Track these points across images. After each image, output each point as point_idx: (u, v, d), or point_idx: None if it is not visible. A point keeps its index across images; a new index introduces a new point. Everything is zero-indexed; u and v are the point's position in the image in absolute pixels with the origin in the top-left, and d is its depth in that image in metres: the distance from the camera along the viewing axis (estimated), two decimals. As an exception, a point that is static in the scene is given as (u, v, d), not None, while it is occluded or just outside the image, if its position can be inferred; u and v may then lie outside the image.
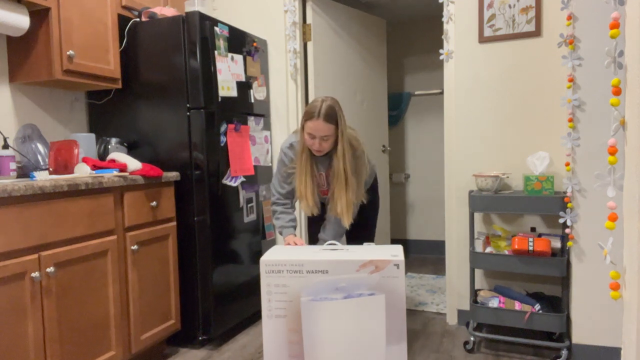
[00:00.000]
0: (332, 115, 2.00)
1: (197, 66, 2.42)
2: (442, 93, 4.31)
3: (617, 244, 1.96)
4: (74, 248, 1.87)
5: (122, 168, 2.18)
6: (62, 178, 1.90)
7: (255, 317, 2.92)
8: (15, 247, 1.64)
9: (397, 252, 1.86)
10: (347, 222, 2.14)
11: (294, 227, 2.26)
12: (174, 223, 2.44)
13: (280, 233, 2.26)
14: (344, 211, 2.11)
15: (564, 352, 2.22)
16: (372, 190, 2.37)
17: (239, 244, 2.70)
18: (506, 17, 2.53)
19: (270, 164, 3.06)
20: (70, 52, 2.19)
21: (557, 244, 2.31)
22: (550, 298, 2.43)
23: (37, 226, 1.72)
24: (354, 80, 3.51)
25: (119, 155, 2.25)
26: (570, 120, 2.20)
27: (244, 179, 2.73)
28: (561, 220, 2.24)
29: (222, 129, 2.56)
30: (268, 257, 1.85)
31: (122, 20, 2.52)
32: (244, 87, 2.77)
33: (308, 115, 2.02)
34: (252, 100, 2.86)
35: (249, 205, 2.80)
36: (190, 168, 2.46)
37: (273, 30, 3.09)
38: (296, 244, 2.12)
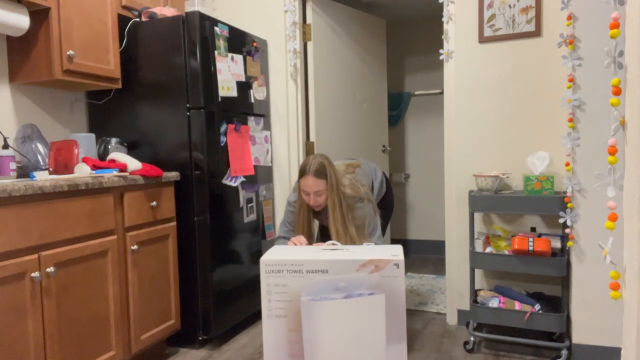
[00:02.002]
0: (321, 171, 2.10)
1: (197, 66, 2.42)
2: (442, 93, 4.31)
3: (617, 244, 1.96)
4: (74, 248, 1.87)
5: (122, 168, 2.18)
6: (62, 178, 1.90)
7: (255, 317, 2.92)
8: (15, 247, 1.64)
9: (397, 252, 1.86)
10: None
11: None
12: (174, 223, 2.44)
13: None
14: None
15: (564, 352, 2.22)
16: (385, 197, 2.52)
17: (239, 244, 2.70)
18: (506, 17, 2.53)
19: (270, 164, 3.06)
20: (70, 52, 2.19)
21: (557, 244, 2.31)
22: (550, 298, 2.43)
23: (37, 226, 1.72)
24: (354, 80, 3.51)
25: (119, 155, 2.25)
26: (570, 120, 2.20)
27: (244, 179, 2.73)
28: (561, 220, 2.24)
29: (222, 129, 2.56)
30: (268, 257, 1.85)
31: (122, 20, 2.52)
32: (244, 87, 2.77)
33: (300, 174, 2.13)
34: (252, 100, 2.86)
35: (249, 205, 2.80)
36: (190, 168, 2.46)
37: (273, 30, 3.09)
38: (300, 242, 2.12)
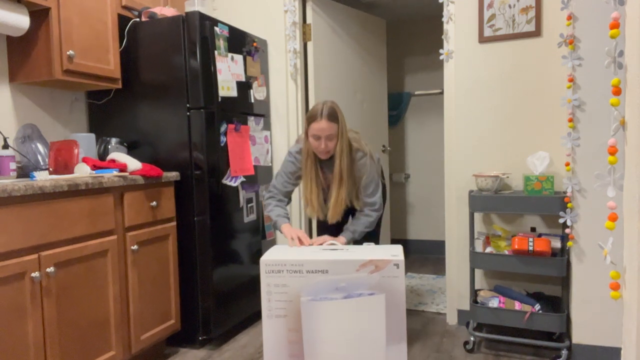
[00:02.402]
0: (334, 115, 2.12)
1: (197, 66, 2.42)
2: (442, 93, 4.31)
3: (617, 244, 1.96)
4: (74, 248, 1.87)
5: (122, 168, 2.18)
6: (62, 178, 1.90)
7: (255, 317, 2.92)
8: (15, 247, 1.64)
9: (397, 252, 1.86)
10: (331, 219, 2.22)
11: (288, 219, 2.28)
12: (174, 223, 2.44)
13: (275, 224, 2.26)
14: (331, 206, 2.19)
15: (564, 352, 2.22)
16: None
17: (239, 244, 2.70)
18: (506, 17, 2.53)
19: (270, 164, 3.06)
20: (70, 52, 2.19)
21: (557, 244, 2.31)
22: (550, 298, 2.43)
23: (37, 226, 1.72)
24: (354, 80, 3.51)
25: (119, 155, 2.25)
26: (570, 120, 2.20)
27: (244, 179, 2.73)
28: (561, 220, 2.24)
29: (222, 129, 2.56)
30: (268, 257, 1.86)
31: (122, 20, 2.52)
32: (244, 87, 2.77)
33: (312, 119, 2.12)
34: (252, 100, 2.86)
35: (249, 205, 2.80)
36: (190, 168, 2.46)
37: (273, 30, 3.09)
38: (298, 237, 2.09)
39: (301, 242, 2.07)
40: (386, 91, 3.91)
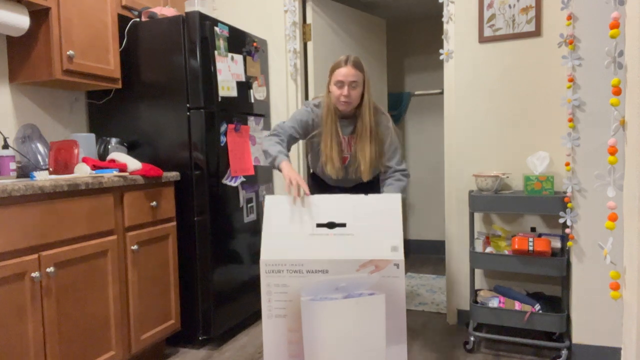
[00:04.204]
0: (359, 64, 2.09)
1: (197, 66, 2.42)
2: (442, 93, 4.31)
3: (617, 244, 1.96)
4: (74, 248, 1.87)
5: (122, 168, 2.18)
6: (62, 178, 1.90)
7: (255, 317, 2.92)
8: (15, 247, 1.64)
9: (396, 242, 1.84)
10: (366, 177, 2.16)
11: (288, 157, 2.10)
12: (174, 223, 2.44)
13: (274, 160, 2.05)
14: (366, 165, 2.12)
15: (564, 352, 2.22)
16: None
17: (239, 244, 2.70)
18: (506, 17, 2.53)
19: (270, 164, 3.06)
20: (70, 52, 2.19)
21: (557, 244, 2.31)
22: (550, 298, 2.43)
23: (37, 226, 1.72)
24: (354, 80, 3.51)
25: (119, 155, 2.25)
26: (570, 120, 2.20)
27: (244, 179, 2.73)
28: (561, 220, 2.24)
29: (222, 129, 2.56)
30: (268, 257, 1.85)
31: (122, 20, 2.52)
32: (244, 87, 2.77)
33: (336, 66, 2.08)
34: (252, 100, 2.86)
35: (249, 205, 2.80)
36: (190, 168, 2.46)
37: (273, 30, 3.09)
38: (298, 183, 1.88)
39: (298, 192, 1.88)
40: (386, 91, 3.91)
